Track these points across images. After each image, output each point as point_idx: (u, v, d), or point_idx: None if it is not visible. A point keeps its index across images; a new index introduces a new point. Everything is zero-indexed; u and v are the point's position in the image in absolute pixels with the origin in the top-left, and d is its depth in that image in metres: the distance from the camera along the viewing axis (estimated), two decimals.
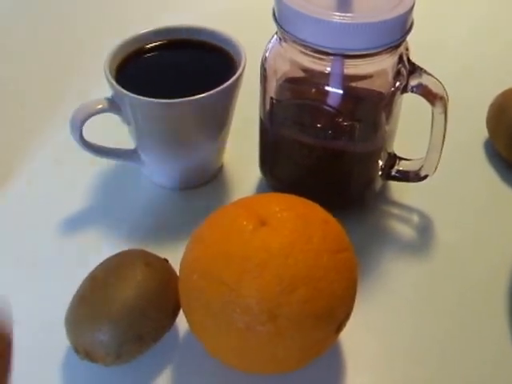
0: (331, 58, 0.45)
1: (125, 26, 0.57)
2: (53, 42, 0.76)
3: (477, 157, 0.60)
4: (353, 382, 0.44)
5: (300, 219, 0.39)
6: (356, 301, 0.41)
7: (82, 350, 0.42)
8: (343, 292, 0.38)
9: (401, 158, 0.54)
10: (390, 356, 0.45)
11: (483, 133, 0.61)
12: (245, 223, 0.38)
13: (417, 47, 0.49)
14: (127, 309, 0.41)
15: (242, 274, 0.36)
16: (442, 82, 0.47)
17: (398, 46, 0.46)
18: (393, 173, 0.54)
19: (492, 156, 0.60)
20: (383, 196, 0.56)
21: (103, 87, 0.50)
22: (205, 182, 0.57)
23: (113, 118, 0.51)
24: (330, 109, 0.47)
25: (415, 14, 0.45)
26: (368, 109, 0.48)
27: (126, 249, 0.46)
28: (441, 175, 0.53)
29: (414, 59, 0.48)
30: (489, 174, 0.59)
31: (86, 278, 0.44)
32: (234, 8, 0.78)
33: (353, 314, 0.41)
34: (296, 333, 0.37)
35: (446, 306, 0.48)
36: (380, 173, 0.53)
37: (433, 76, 0.47)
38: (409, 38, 0.46)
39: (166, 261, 0.45)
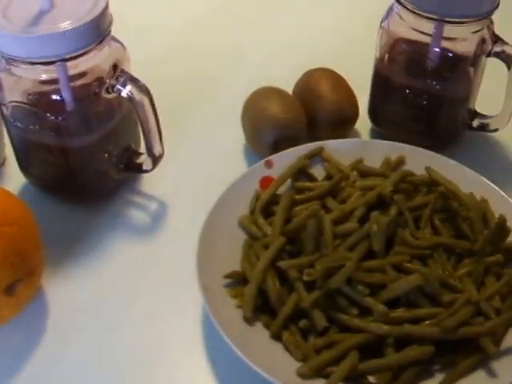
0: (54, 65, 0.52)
1: None
2: None
3: (236, 152, 0.68)
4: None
5: None
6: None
7: None
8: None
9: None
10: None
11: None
12: None
13: None
14: None
15: None
16: None
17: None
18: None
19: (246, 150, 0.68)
20: (128, 186, 0.63)
21: None
22: None
23: None
24: (39, 111, 0.55)
25: None
26: None
27: None
28: (179, 168, 0.62)
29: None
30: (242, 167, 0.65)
31: None
32: None
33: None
34: None
35: (152, 282, 0.56)
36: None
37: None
38: None
39: None
